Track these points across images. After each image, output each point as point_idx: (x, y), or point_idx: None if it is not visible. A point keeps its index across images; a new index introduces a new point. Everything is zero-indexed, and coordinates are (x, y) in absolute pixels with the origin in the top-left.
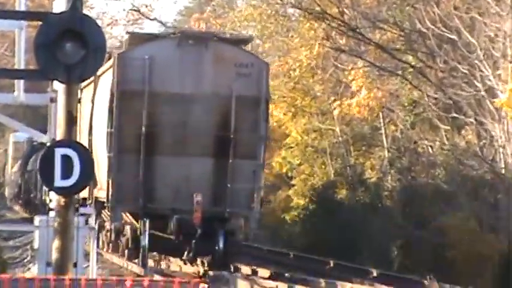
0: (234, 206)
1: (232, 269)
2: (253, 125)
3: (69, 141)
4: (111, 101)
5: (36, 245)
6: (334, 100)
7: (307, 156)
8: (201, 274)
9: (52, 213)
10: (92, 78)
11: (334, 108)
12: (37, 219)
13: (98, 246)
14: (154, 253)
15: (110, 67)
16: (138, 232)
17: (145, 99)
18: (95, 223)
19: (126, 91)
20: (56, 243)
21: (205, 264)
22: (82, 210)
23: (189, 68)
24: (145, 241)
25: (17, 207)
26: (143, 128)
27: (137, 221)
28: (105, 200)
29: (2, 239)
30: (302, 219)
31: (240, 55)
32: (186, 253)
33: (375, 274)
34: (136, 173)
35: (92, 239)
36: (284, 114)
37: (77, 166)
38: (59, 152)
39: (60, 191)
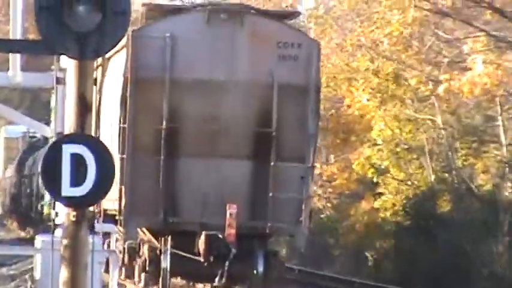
0: (277, 220)
1: None
2: (300, 119)
3: (82, 135)
4: (124, 90)
5: (37, 275)
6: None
7: (399, 157)
8: None
9: (58, 232)
10: (98, 60)
11: (440, 84)
12: (38, 240)
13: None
14: (178, 278)
15: (123, 48)
16: (158, 252)
17: (166, 88)
18: (115, 244)
19: (142, 78)
20: (64, 273)
21: None
22: (99, 227)
23: (220, 49)
24: (166, 263)
25: (11, 224)
26: (164, 123)
27: (157, 239)
28: (116, 213)
29: None
30: (392, 240)
31: (283, 33)
32: (217, 278)
33: None
34: (155, 179)
35: (112, 266)
36: (368, 100)
37: (91, 169)
38: (67, 149)
39: (69, 202)
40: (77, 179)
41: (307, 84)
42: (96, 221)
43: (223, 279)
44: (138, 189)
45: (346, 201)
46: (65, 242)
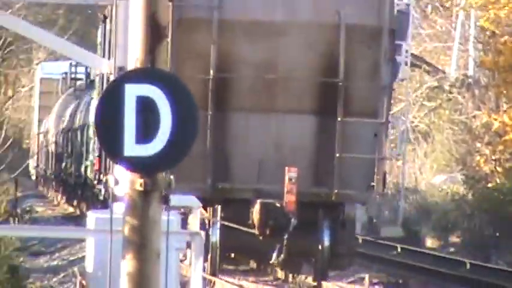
0: (346, 185)
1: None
2: (372, 67)
3: (153, 71)
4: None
5: (89, 267)
6: None
7: None
8: None
9: (119, 207)
10: None
11: None
12: (91, 218)
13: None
14: (231, 254)
15: None
16: (206, 224)
17: (214, 31)
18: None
19: (186, 18)
20: (127, 265)
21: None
22: (176, 200)
23: None
24: (216, 236)
25: (52, 194)
26: (211, 72)
27: (205, 208)
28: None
29: (28, 254)
30: None
31: None
32: (275, 254)
33: None
34: (202, 138)
35: (196, 253)
36: None
37: (166, 118)
38: (132, 91)
39: (135, 165)
40: (146, 132)
41: (379, 24)
42: (171, 192)
43: (282, 256)
44: None
45: None
46: (128, 221)
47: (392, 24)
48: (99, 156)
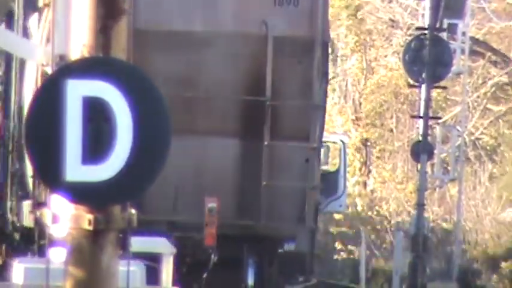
0: (274, 217)
1: None
2: (303, 85)
3: (106, 60)
4: None
5: None
6: None
7: None
8: None
9: (58, 253)
10: None
11: None
12: (18, 269)
13: None
14: None
15: None
16: None
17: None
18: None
19: None
20: None
21: None
22: (139, 244)
23: None
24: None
25: None
26: None
27: None
28: None
29: None
30: None
31: None
32: None
33: None
34: None
35: None
36: None
37: (125, 128)
38: (77, 89)
39: (80, 194)
40: (96, 149)
41: (311, 36)
42: (132, 232)
43: None
44: None
45: None
46: (72, 273)
47: (326, 36)
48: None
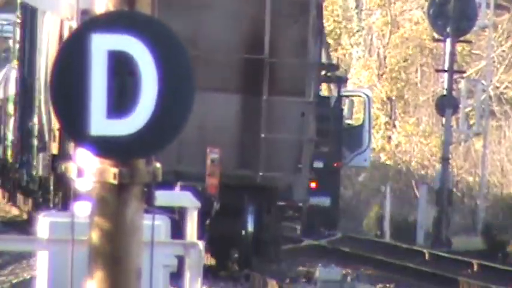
0: (272, 167)
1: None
2: (299, 43)
3: (131, 15)
4: None
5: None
6: None
7: None
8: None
9: (83, 207)
10: None
11: None
12: (43, 224)
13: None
14: None
15: None
16: None
17: None
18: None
19: None
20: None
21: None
22: (164, 198)
23: None
24: None
25: None
26: None
27: None
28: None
29: None
30: None
31: None
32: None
33: None
34: None
35: (191, 274)
36: None
37: (150, 82)
38: (102, 43)
39: (105, 148)
40: (122, 103)
41: None
42: (156, 186)
43: (204, 242)
44: None
45: None
46: (96, 226)
47: None
48: (21, 134)
